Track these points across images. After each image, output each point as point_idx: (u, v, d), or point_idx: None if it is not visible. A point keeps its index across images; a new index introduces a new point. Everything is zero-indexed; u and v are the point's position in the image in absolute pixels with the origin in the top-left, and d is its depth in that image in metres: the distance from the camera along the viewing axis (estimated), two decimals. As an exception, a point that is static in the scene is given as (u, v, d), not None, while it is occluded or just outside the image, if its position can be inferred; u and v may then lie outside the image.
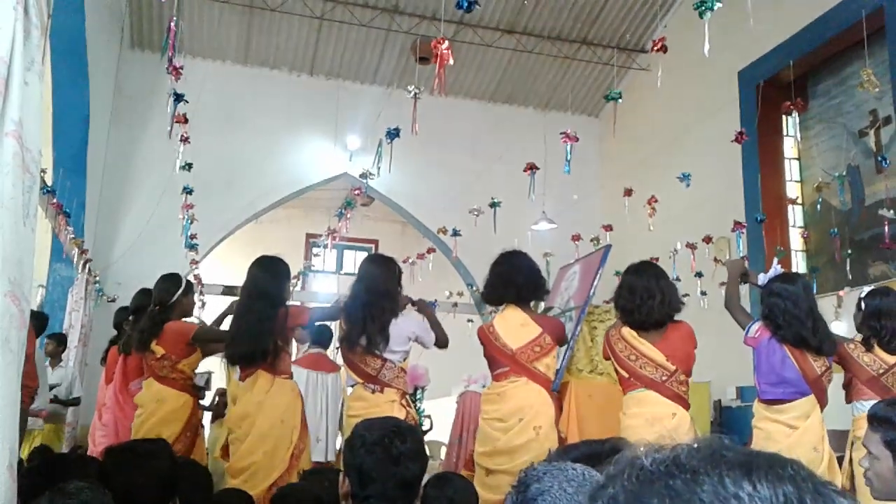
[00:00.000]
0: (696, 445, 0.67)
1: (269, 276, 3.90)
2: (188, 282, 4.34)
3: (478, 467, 3.85)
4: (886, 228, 6.02)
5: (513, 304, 3.91)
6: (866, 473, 1.98)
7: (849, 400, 3.80)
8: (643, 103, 10.92)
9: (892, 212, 5.92)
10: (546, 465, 1.42)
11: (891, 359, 3.68)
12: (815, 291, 8.24)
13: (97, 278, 9.34)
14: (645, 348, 3.54)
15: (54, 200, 6.87)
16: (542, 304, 4.91)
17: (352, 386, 3.88)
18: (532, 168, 5.91)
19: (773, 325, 3.53)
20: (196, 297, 5.85)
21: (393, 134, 5.00)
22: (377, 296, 3.76)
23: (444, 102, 11.52)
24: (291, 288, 4.15)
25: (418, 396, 6.34)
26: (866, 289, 4.20)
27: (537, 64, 11.61)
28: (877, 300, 3.80)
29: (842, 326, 6.33)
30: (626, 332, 3.59)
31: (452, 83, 11.74)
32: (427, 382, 6.20)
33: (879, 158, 6.23)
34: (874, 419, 1.96)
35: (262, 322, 3.78)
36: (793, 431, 3.43)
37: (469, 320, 11.80)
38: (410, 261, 9.26)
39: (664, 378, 3.50)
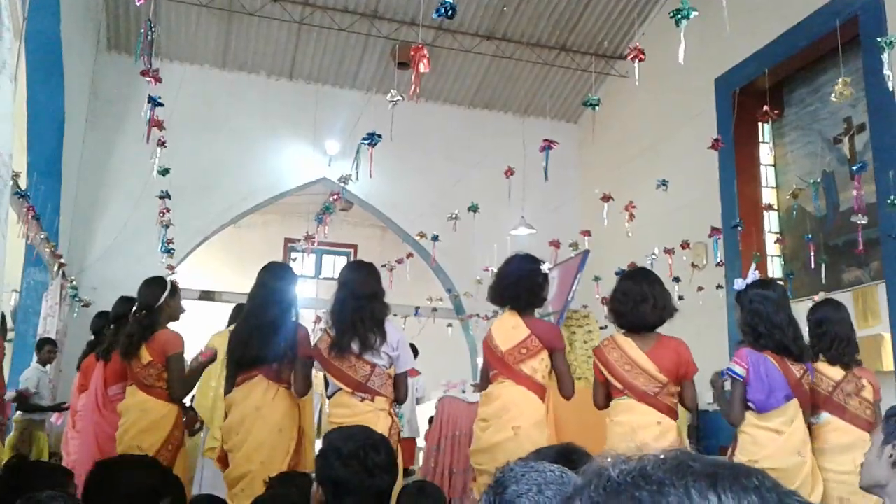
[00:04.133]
0: (662, 456, 0.68)
1: (283, 283, 3.92)
2: (174, 284, 4.27)
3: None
4: (860, 234, 6.10)
5: (509, 308, 3.92)
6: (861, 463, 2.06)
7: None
8: (621, 110, 11.00)
9: (864, 218, 6.00)
10: (524, 465, 1.41)
11: (834, 372, 3.71)
12: (790, 297, 8.39)
13: (72, 283, 9.24)
14: (638, 357, 3.55)
15: (28, 204, 6.78)
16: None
17: (329, 395, 3.84)
18: (509, 173, 5.91)
19: (753, 333, 3.55)
20: None
21: (372, 139, 5.00)
22: (365, 299, 3.73)
23: (423, 107, 11.53)
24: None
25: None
26: (839, 294, 4.26)
27: (516, 70, 11.66)
28: (818, 312, 3.84)
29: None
30: (622, 339, 3.61)
31: (432, 88, 11.77)
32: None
33: (855, 167, 6.31)
34: (887, 413, 2.03)
35: (276, 326, 3.78)
36: (778, 437, 3.45)
37: (449, 325, 11.81)
38: (389, 266, 9.24)
39: (656, 391, 3.52)
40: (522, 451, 3.38)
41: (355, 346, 3.64)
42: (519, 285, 3.88)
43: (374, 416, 3.60)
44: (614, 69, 11.50)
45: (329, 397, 3.77)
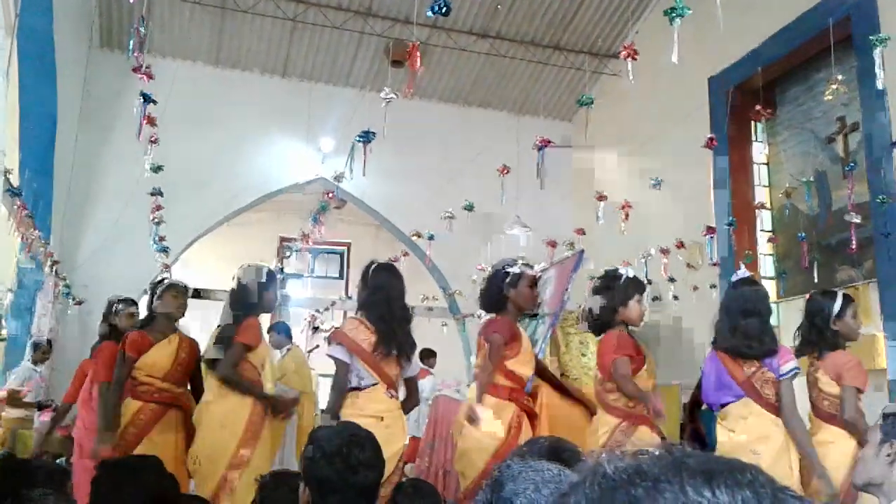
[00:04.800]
0: (657, 453, 0.68)
1: (237, 283, 4.06)
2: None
3: None
4: (853, 233, 6.12)
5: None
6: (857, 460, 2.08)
7: None
8: (615, 108, 10.99)
9: (857, 217, 6.02)
10: (522, 463, 1.41)
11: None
12: (782, 295, 8.40)
13: (65, 280, 9.20)
14: (594, 357, 3.76)
15: (20, 202, 6.75)
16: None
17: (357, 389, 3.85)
18: (504, 171, 5.92)
19: (714, 332, 3.70)
20: None
21: (365, 137, 4.99)
22: (402, 309, 3.89)
23: (417, 105, 11.52)
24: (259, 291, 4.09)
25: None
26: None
27: (510, 68, 11.66)
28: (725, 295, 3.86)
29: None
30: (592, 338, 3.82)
31: (426, 86, 11.75)
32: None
33: (847, 167, 6.34)
34: (885, 412, 2.06)
35: (225, 328, 3.97)
36: (732, 434, 3.50)
37: (443, 324, 11.80)
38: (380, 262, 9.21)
39: (598, 388, 3.77)
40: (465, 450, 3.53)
41: (396, 349, 3.78)
42: (487, 291, 4.02)
43: (400, 413, 3.78)
44: (608, 68, 11.50)
45: (358, 390, 3.75)
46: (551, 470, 1.37)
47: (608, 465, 0.68)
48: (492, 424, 3.66)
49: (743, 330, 3.55)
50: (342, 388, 3.73)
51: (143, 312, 5.33)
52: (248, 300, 4.12)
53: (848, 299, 3.76)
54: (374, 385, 3.74)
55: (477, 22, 10.93)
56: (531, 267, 3.97)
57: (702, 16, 4.05)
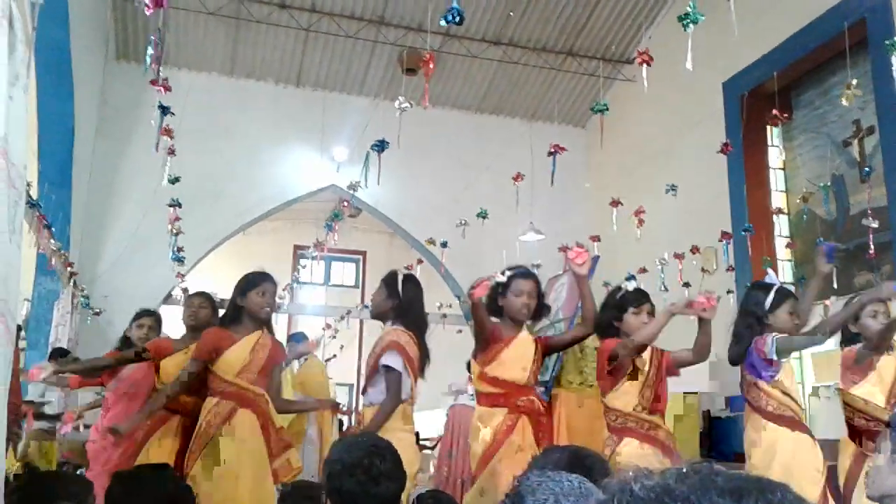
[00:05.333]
0: (685, 471, 0.67)
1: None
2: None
3: None
4: (871, 238, 6.06)
5: None
6: (868, 471, 2.01)
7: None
8: (629, 114, 10.98)
9: (875, 221, 5.96)
10: (541, 475, 1.40)
11: None
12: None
13: (83, 291, 9.27)
14: None
15: (39, 214, 6.81)
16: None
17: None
18: (518, 179, 5.91)
19: None
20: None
21: (380, 146, 5.00)
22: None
23: (431, 113, 11.52)
24: (260, 297, 3.93)
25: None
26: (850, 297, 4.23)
27: (524, 75, 11.66)
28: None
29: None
30: None
31: (439, 94, 11.77)
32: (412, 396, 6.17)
33: (864, 171, 6.29)
34: (894, 421, 1.99)
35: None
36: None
37: (459, 331, 11.78)
38: (410, 273, 9.22)
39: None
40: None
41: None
42: (489, 297, 3.87)
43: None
44: (622, 73, 11.48)
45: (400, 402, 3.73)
46: (571, 481, 1.37)
47: (635, 483, 0.67)
48: (480, 433, 3.60)
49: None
50: (398, 399, 3.64)
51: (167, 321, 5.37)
52: (226, 311, 4.06)
53: (784, 294, 3.64)
54: (409, 398, 3.76)
55: (490, 29, 10.95)
56: (531, 274, 3.82)
57: (715, 21, 4.04)
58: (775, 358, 3.46)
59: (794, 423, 3.44)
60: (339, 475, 1.87)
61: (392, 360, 3.67)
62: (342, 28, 10.54)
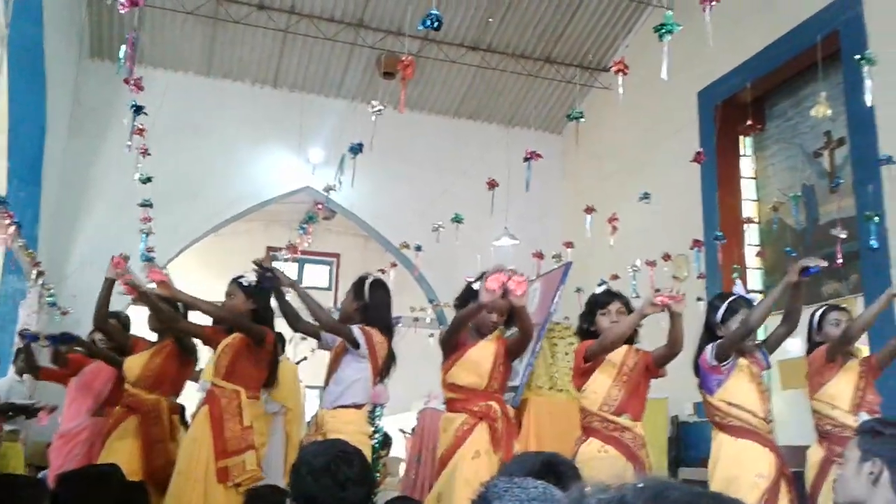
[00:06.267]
0: (641, 485, 0.67)
1: None
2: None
3: None
4: (839, 248, 6.15)
5: None
6: (836, 477, 2.03)
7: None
8: (605, 121, 11.05)
9: (844, 232, 6.06)
10: (508, 481, 1.40)
11: None
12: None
13: (50, 291, 9.14)
14: None
15: (6, 211, 6.71)
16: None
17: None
18: (493, 185, 5.92)
19: None
20: None
21: (356, 149, 4.99)
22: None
23: (408, 117, 11.52)
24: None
25: (377, 414, 6.28)
26: (819, 306, 4.29)
27: (501, 80, 11.70)
28: None
29: (796, 343, 6.44)
30: None
31: (417, 98, 11.78)
32: (387, 400, 6.15)
33: (834, 181, 6.39)
34: (862, 428, 2.01)
35: None
36: None
37: (430, 335, 11.77)
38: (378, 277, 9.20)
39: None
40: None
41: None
42: (459, 299, 3.92)
43: None
44: (598, 81, 11.56)
45: (358, 407, 3.73)
46: (537, 487, 1.37)
47: (592, 497, 0.67)
48: (442, 438, 3.61)
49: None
50: (333, 322, 3.75)
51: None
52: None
53: (737, 304, 3.63)
54: (366, 403, 3.75)
55: (468, 34, 10.98)
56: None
57: (691, 31, 4.09)
58: (714, 363, 3.50)
59: (742, 430, 3.45)
60: (304, 479, 1.86)
61: (357, 335, 3.66)
62: (321, 30, 10.52)
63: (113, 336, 4.55)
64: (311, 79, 11.45)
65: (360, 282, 3.88)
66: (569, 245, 7.99)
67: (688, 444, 8.39)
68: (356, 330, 3.65)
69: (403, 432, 9.34)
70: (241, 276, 3.93)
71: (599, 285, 4.36)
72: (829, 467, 3.67)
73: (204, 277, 14.06)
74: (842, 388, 3.84)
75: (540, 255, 7.90)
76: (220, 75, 11.23)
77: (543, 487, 1.39)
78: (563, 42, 11.22)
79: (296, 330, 3.98)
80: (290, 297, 3.90)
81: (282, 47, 10.92)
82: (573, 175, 12.10)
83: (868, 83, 4.37)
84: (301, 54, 11.06)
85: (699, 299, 8.25)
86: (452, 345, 3.63)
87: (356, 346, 3.63)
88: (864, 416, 3.27)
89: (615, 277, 7.95)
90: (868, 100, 4.36)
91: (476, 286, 3.61)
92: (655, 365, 3.58)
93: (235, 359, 3.84)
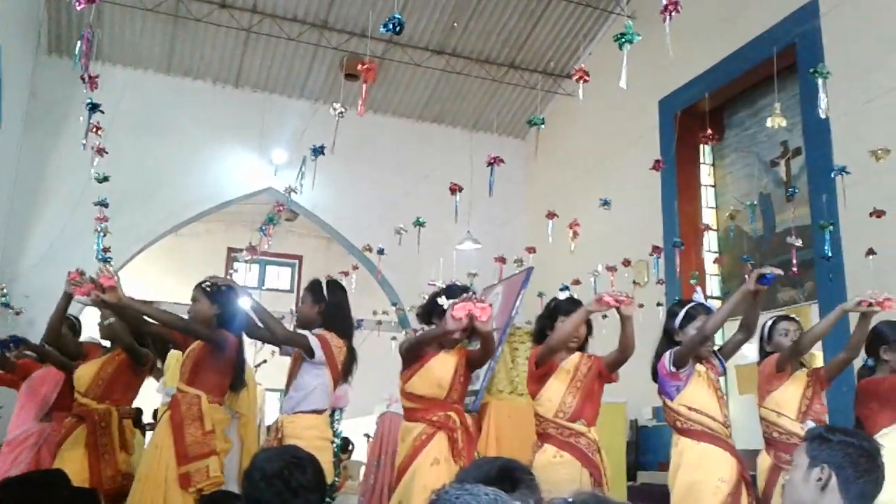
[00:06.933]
0: (571, 500, 0.68)
1: None
2: None
3: None
4: (794, 255, 6.27)
5: None
6: (784, 483, 2.05)
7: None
8: (568, 128, 11.14)
9: (799, 240, 6.18)
10: (459, 488, 1.40)
11: None
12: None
13: (3, 291, 8.93)
14: None
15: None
16: None
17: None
18: (455, 189, 5.92)
19: None
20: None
21: (317, 151, 4.96)
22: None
23: (372, 119, 11.51)
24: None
25: (336, 417, 6.24)
26: (775, 313, 4.36)
27: (465, 85, 11.74)
28: None
29: (753, 349, 6.54)
30: None
31: (381, 101, 11.76)
32: (346, 403, 6.12)
33: (790, 190, 6.52)
34: (809, 434, 2.04)
35: None
36: None
37: (393, 338, 11.73)
38: (333, 279, 9.13)
39: None
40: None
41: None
42: (423, 308, 3.95)
43: None
44: (561, 88, 11.66)
45: (319, 413, 3.71)
46: (488, 494, 1.37)
47: None
48: (401, 447, 3.60)
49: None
50: (285, 332, 3.72)
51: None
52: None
53: (695, 311, 3.64)
54: (327, 409, 3.72)
55: (433, 38, 10.99)
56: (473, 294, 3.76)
57: (653, 40, 4.13)
58: (673, 370, 3.54)
59: (703, 434, 3.49)
60: (257, 486, 1.84)
61: (312, 342, 3.63)
62: (284, 30, 10.44)
63: (65, 350, 4.48)
64: (273, 79, 11.36)
65: (317, 284, 3.86)
66: (531, 250, 8.02)
67: (647, 448, 8.49)
68: (312, 339, 3.63)
69: (367, 436, 9.30)
70: (205, 282, 3.88)
71: (561, 290, 4.40)
72: (777, 473, 3.73)
73: (163, 278, 13.91)
74: (789, 396, 3.90)
75: (502, 260, 7.91)
76: (180, 74, 11.08)
77: (494, 494, 1.39)
78: (528, 48, 11.29)
79: (251, 337, 3.95)
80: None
81: (244, 47, 10.82)
82: (536, 180, 12.17)
83: (822, 95, 4.44)
84: (264, 54, 10.96)
85: (659, 305, 8.36)
86: (413, 357, 3.61)
87: (312, 355, 3.60)
88: (811, 425, 3.32)
89: (577, 282, 8.01)
90: (822, 112, 4.44)
91: (441, 301, 3.62)
92: (608, 370, 3.60)
93: (198, 363, 3.78)
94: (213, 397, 3.75)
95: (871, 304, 3.54)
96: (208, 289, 3.82)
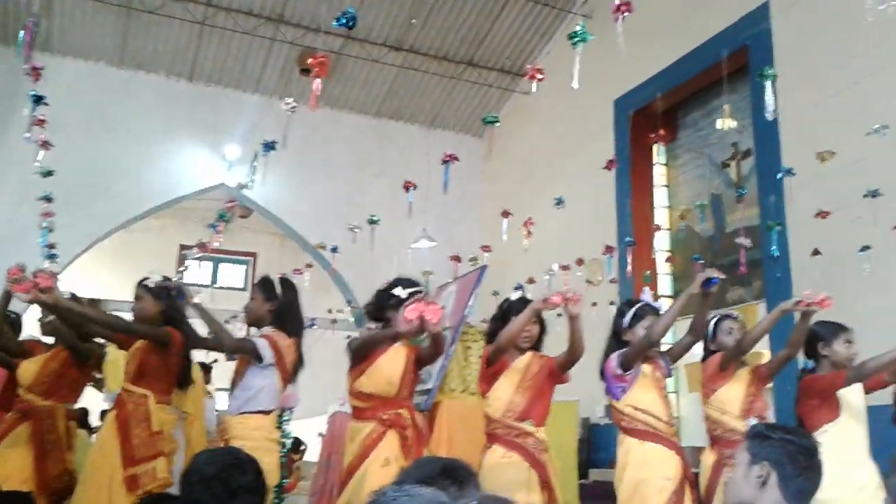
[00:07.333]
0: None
1: None
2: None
3: None
4: (742, 255, 6.38)
5: None
6: (726, 480, 2.08)
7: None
8: (525, 126, 11.19)
9: (748, 240, 6.28)
10: (397, 489, 1.39)
11: None
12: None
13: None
14: None
15: None
16: None
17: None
18: (409, 186, 5.89)
19: None
20: None
21: (268, 146, 4.89)
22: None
23: (328, 115, 11.42)
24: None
25: (285, 418, 6.17)
26: (723, 312, 4.42)
27: (423, 82, 11.71)
28: None
29: (697, 346, 6.63)
30: None
31: (338, 97, 11.68)
32: (296, 403, 6.06)
33: (739, 191, 6.63)
34: (751, 432, 2.07)
35: None
36: None
37: (348, 337, 11.64)
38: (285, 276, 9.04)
39: None
40: None
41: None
42: (373, 304, 3.83)
43: None
44: (519, 86, 11.69)
45: (266, 413, 3.64)
46: (424, 495, 1.36)
47: None
48: (349, 447, 3.55)
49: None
50: (234, 341, 3.66)
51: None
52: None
53: (643, 311, 3.69)
54: (276, 407, 3.67)
55: (391, 34, 10.94)
56: (424, 291, 3.72)
57: (609, 40, 4.15)
58: (620, 372, 3.57)
59: (648, 434, 3.53)
60: (195, 488, 1.81)
61: (261, 345, 3.57)
62: (239, 24, 10.30)
63: (5, 347, 4.35)
64: (228, 73, 11.20)
65: (268, 281, 3.80)
66: (486, 248, 8.03)
67: (598, 446, 8.56)
68: (261, 343, 3.57)
69: (322, 436, 9.24)
70: (147, 279, 3.80)
71: (516, 289, 4.40)
72: (720, 470, 3.79)
73: (114, 276, 13.63)
74: (732, 394, 3.96)
75: (457, 258, 7.91)
76: (133, 67, 10.86)
77: (432, 494, 1.39)
78: (486, 46, 11.31)
79: (196, 347, 3.92)
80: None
81: (198, 40, 10.65)
82: (493, 178, 12.19)
83: (769, 98, 4.52)
84: (218, 48, 10.80)
85: (612, 304, 8.43)
86: (362, 356, 3.58)
87: (260, 360, 3.56)
88: (754, 422, 3.38)
89: (531, 281, 8.05)
90: (769, 115, 4.51)
91: (398, 292, 3.58)
92: (559, 370, 3.59)
93: (143, 362, 3.70)
94: (160, 397, 3.68)
95: (809, 305, 3.60)
96: (152, 286, 3.75)
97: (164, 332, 3.67)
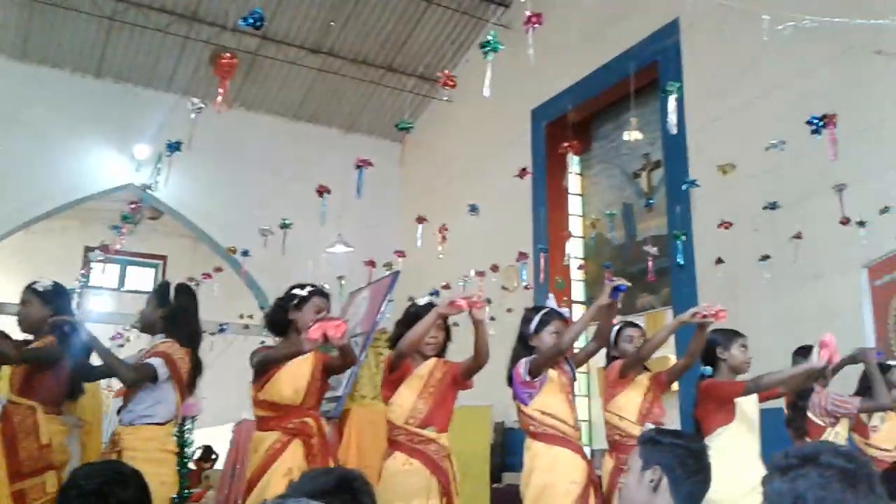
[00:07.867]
0: None
1: None
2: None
3: None
4: (650, 263, 6.54)
5: None
6: (621, 486, 2.11)
7: None
8: (444, 133, 11.24)
9: (655, 248, 6.46)
10: (279, 501, 1.37)
11: None
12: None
13: None
14: None
15: None
16: None
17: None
18: (323, 191, 5.82)
19: None
20: None
21: (172, 147, 4.75)
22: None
23: (244, 117, 11.21)
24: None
25: (187, 426, 5.99)
26: (632, 318, 4.53)
27: (342, 85, 11.62)
28: None
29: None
30: None
31: (254, 98, 11.47)
32: (199, 412, 5.89)
33: (648, 201, 6.81)
34: (642, 438, 2.10)
35: None
36: None
37: (262, 342, 11.43)
38: (195, 281, 8.80)
39: None
40: None
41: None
42: (272, 312, 3.79)
43: None
44: (438, 93, 11.72)
45: (160, 425, 3.52)
46: (306, 507, 1.34)
47: None
48: (252, 458, 3.47)
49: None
50: (131, 373, 3.46)
51: None
52: None
53: (549, 317, 3.70)
54: (174, 417, 3.56)
55: (309, 37, 10.82)
56: (325, 296, 3.67)
57: (526, 51, 4.19)
58: (528, 379, 3.60)
59: (556, 438, 3.57)
60: (72, 503, 1.72)
61: (155, 362, 3.47)
62: (150, 20, 10.00)
63: None
64: (138, 70, 10.86)
65: (164, 287, 3.71)
66: (400, 254, 8.01)
67: (513, 450, 8.62)
68: (155, 362, 3.46)
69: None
70: (36, 282, 3.62)
71: (431, 295, 4.38)
72: (618, 475, 3.86)
73: (13, 278, 12.99)
74: (630, 400, 4.05)
75: (372, 263, 7.85)
76: (36, 61, 10.41)
77: (315, 507, 1.36)
78: (406, 52, 11.31)
79: (91, 380, 3.82)
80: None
81: (107, 35, 10.29)
82: (410, 184, 12.20)
83: (671, 111, 4.66)
84: (128, 44, 10.46)
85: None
86: (265, 370, 3.50)
87: (156, 380, 3.46)
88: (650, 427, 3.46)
89: (446, 287, 8.06)
90: (672, 128, 4.66)
91: (299, 291, 3.53)
92: (463, 377, 3.55)
93: (30, 373, 3.51)
94: (49, 408, 3.50)
95: (704, 316, 3.71)
96: (41, 290, 3.58)
97: (54, 349, 3.49)
